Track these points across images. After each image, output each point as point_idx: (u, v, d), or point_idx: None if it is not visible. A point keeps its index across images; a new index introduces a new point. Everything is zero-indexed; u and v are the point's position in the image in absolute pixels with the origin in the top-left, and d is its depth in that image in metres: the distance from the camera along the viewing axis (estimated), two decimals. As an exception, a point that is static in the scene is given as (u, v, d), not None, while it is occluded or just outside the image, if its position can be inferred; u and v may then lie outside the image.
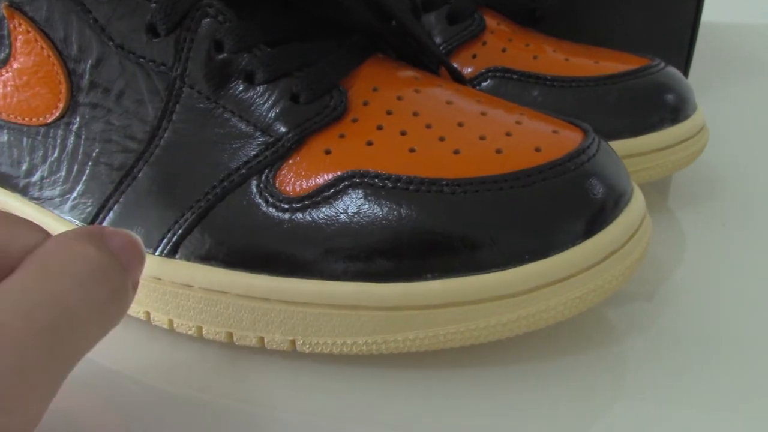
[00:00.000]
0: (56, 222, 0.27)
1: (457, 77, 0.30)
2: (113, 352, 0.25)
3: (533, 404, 0.24)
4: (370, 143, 0.25)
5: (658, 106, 0.33)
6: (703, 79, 0.52)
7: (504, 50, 0.35)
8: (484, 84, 0.34)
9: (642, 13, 0.46)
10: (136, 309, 0.26)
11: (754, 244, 0.34)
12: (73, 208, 0.27)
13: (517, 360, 0.26)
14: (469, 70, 0.34)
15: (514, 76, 0.34)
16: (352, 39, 0.27)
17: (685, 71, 0.49)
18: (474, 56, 0.35)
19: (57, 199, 0.27)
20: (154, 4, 0.25)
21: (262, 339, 0.25)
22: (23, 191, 0.28)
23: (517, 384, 0.25)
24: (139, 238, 0.21)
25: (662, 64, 0.35)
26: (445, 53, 0.35)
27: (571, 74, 0.34)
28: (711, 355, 0.26)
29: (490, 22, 0.36)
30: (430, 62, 0.30)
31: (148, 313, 0.26)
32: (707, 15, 0.51)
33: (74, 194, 0.27)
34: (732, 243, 0.34)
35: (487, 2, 0.36)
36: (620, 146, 0.33)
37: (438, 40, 0.35)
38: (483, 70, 0.34)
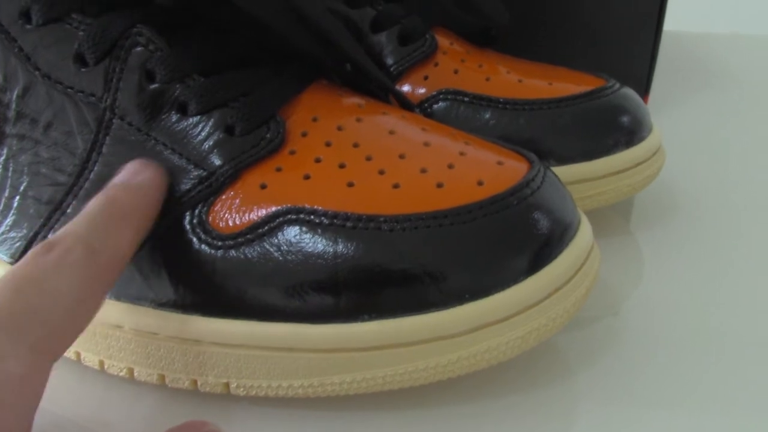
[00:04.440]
0: (-16, 257, 0.26)
1: (404, 103, 0.29)
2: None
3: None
4: (307, 177, 0.24)
5: (613, 129, 0.33)
6: (666, 91, 0.52)
7: (456, 72, 0.34)
8: (436, 106, 0.33)
9: (601, 26, 0.45)
10: (66, 349, 0.25)
11: (714, 267, 0.33)
12: (1, 243, 0.26)
13: (465, 397, 0.25)
14: (422, 91, 0.34)
15: (466, 99, 0.33)
16: (292, 66, 0.27)
17: (647, 83, 0.49)
18: (426, 78, 0.34)
19: (-15, 234, 0.26)
20: (82, 33, 0.24)
21: (195, 381, 0.24)
22: (-49, 224, 0.27)
23: (466, 421, 0.24)
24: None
25: (617, 85, 0.34)
26: (397, 74, 0.34)
27: (524, 96, 0.33)
28: (668, 385, 0.26)
29: (443, 42, 0.35)
30: (376, 87, 0.29)
31: (78, 353, 0.25)
32: (669, 24, 0.50)
33: (1, 228, 0.26)
34: (691, 267, 0.33)
35: (440, 22, 0.36)
36: (574, 170, 0.32)
37: (389, 60, 0.34)
38: (435, 92, 0.33)
